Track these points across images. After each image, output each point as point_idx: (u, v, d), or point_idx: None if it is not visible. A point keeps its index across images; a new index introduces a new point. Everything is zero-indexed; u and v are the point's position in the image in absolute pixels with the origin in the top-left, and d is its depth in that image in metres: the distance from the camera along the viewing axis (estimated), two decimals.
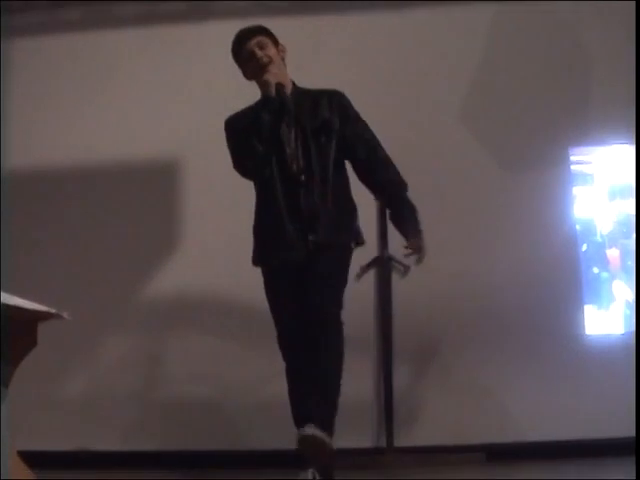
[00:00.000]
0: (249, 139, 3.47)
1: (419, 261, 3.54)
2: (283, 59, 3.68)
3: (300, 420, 3.29)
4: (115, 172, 5.13)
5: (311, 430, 3.16)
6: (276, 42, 3.66)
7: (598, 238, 4.98)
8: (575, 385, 4.65)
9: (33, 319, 2.63)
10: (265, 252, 3.59)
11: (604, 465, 4.23)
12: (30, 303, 2.59)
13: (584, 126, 5.01)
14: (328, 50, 5.01)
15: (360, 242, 3.64)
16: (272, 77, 3.50)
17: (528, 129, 4.99)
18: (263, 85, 3.52)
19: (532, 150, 4.94)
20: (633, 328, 4.79)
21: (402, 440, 4.66)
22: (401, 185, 3.63)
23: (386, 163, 3.62)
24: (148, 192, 5.13)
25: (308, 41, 5.03)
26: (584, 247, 4.96)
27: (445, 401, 4.70)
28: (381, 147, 3.64)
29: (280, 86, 3.50)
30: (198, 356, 4.81)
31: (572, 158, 5.03)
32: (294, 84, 3.68)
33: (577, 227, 4.97)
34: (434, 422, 4.67)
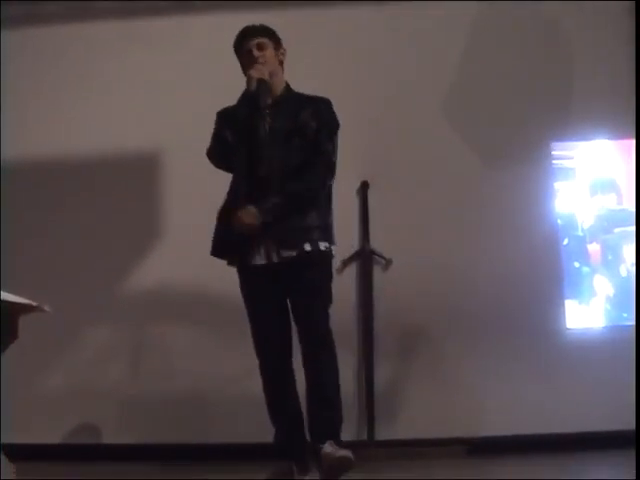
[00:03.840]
0: (223, 130, 3.59)
1: None
2: (282, 62, 3.76)
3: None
4: (97, 165, 5.10)
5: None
6: (278, 45, 3.74)
7: (579, 233, 5.01)
8: (555, 379, 4.67)
9: (14, 312, 2.63)
10: (228, 249, 3.61)
11: (585, 458, 4.26)
12: (11, 296, 2.59)
13: (566, 121, 5.03)
14: (310, 45, 5.00)
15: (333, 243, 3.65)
16: (256, 72, 3.56)
17: (510, 124, 5.00)
18: (247, 80, 3.58)
19: (514, 145, 4.95)
20: (613, 323, 4.83)
21: (383, 434, 4.70)
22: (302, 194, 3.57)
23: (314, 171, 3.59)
24: (130, 185, 5.10)
25: (289, 37, 5.03)
26: (565, 241, 4.99)
27: (426, 395, 4.71)
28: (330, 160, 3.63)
29: (261, 82, 3.54)
30: (179, 349, 4.83)
31: (554, 153, 5.04)
32: (288, 87, 3.74)
33: (558, 221, 4.99)
34: (415, 416, 4.68)
